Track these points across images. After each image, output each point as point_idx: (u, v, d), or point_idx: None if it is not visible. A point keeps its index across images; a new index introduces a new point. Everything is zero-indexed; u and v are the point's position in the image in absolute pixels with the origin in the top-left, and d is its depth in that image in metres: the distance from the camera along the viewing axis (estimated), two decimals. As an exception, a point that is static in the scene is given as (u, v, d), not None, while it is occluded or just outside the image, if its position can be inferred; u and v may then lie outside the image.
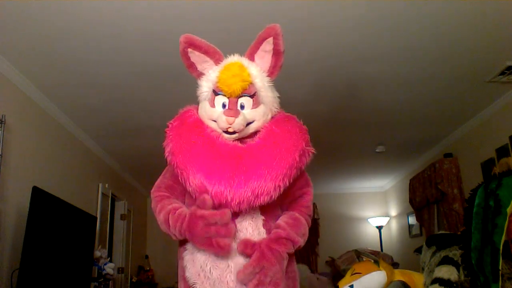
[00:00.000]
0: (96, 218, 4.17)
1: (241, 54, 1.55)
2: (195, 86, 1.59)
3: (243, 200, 1.36)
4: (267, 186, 1.36)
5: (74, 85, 3.30)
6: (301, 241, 1.49)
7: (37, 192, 2.79)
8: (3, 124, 2.83)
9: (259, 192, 1.36)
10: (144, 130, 4.20)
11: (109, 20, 2.47)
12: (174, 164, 1.44)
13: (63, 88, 3.33)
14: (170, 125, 1.52)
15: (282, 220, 1.50)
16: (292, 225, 1.48)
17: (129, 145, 4.77)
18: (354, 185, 7.41)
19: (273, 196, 1.38)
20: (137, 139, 4.53)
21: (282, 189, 1.39)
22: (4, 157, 2.82)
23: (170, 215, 1.45)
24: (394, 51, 2.94)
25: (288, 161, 1.40)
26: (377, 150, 5.18)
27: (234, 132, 1.45)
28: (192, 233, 1.39)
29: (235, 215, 1.44)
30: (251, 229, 1.45)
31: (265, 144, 1.44)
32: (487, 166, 4.01)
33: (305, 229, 1.52)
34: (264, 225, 1.48)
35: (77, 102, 3.60)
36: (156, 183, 1.60)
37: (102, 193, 4.87)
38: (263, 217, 1.49)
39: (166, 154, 1.47)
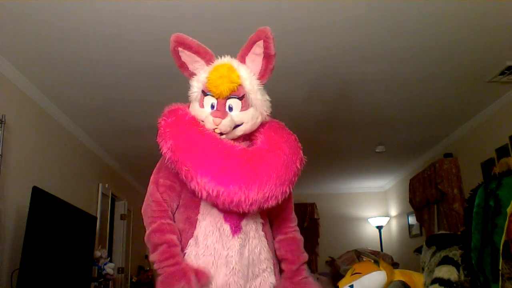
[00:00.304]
0: (96, 218, 4.17)
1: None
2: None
3: (255, 202, 1.35)
4: (276, 191, 1.37)
5: (74, 85, 3.30)
6: (307, 255, 1.60)
7: (37, 192, 2.80)
8: (3, 124, 2.83)
9: (269, 196, 1.36)
10: (144, 130, 4.20)
11: (109, 20, 2.47)
12: (177, 161, 1.38)
13: (63, 88, 3.33)
14: (164, 122, 1.46)
15: (285, 249, 1.56)
16: (295, 250, 1.57)
17: (129, 145, 4.77)
18: (354, 185, 7.41)
19: (279, 201, 1.39)
20: (137, 139, 4.52)
21: (287, 195, 1.41)
22: (4, 157, 2.82)
23: (164, 245, 1.40)
24: (394, 51, 2.94)
25: (293, 168, 1.42)
26: (377, 150, 5.18)
27: (221, 134, 1.44)
28: (167, 283, 1.34)
29: (242, 216, 1.44)
30: (253, 232, 1.47)
31: (270, 150, 1.43)
32: (487, 166, 4.01)
33: (303, 243, 1.61)
34: (262, 229, 1.52)
35: (77, 102, 3.60)
36: (153, 178, 1.53)
37: (102, 193, 4.87)
38: (262, 221, 1.52)
39: (165, 151, 1.40)
